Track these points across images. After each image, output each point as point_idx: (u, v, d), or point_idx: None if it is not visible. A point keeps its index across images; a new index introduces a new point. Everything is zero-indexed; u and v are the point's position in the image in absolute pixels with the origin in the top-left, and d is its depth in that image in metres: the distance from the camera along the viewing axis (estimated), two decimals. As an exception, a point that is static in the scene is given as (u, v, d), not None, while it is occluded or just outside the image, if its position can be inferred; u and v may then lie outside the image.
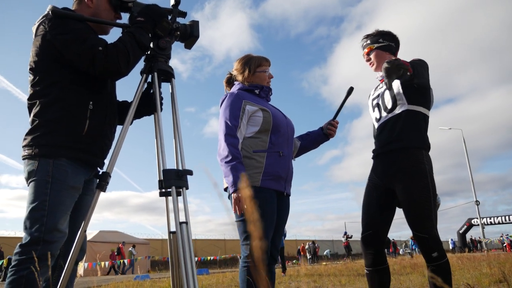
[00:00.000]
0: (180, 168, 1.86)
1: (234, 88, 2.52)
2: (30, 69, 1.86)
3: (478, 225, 28.47)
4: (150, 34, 1.97)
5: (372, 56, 2.63)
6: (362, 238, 2.53)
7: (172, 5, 2.09)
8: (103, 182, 1.78)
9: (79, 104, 1.86)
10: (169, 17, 2.05)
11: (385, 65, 2.10)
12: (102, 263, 16.38)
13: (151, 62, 2.01)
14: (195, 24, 2.15)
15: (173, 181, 1.72)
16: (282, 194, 2.40)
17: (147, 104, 2.08)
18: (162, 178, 1.75)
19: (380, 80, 2.70)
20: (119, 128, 2.04)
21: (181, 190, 1.74)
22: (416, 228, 2.29)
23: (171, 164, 1.80)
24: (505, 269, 5.42)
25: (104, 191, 1.79)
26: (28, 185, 1.76)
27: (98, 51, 1.77)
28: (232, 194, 2.19)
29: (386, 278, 2.45)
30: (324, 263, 21.37)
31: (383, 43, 2.61)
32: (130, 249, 20.68)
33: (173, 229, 1.76)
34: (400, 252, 33.64)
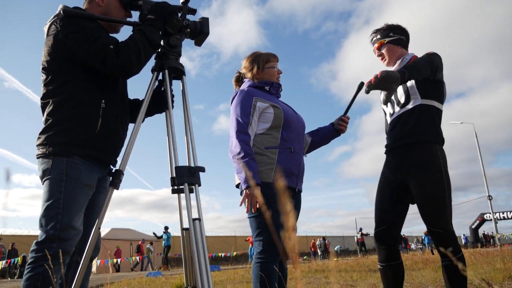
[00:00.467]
0: (192, 165, 1.87)
1: (244, 86, 2.52)
2: (43, 68, 1.88)
3: (491, 220, 28.11)
4: (160, 32, 1.97)
5: (384, 51, 2.61)
6: (375, 234, 2.51)
7: (182, 2, 2.09)
8: (116, 179, 1.79)
9: (92, 102, 1.87)
10: (179, 15, 2.05)
11: (366, 89, 2.19)
12: (114, 260, 16.53)
13: (161, 60, 2.01)
14: (205, 21, 2.15)
15: (186, 178, 1.72)
16: (294, 190, 2.39)
17: (159, 102, 2.09)
18: (174, 175, 1.75)
19: None
20: (131, 126, 2.05)
21: (193, 187, 1.75)
22: (430, 223, 2.27)
23: (183, 161, 1.81)
24: (519, 264, 5.35)
25: (118, 188, 1.81)
26: (42, 184, 1.78)
27: (110, 50, 1.78)
28: (245, 191, 2.19)
29: (400, 274, 2.44)
30: (335, 259, 21.34)
31: (394, 37, 2.58)
32: (148, 246, 20.94)
33: (186, 225, 1.77)
34: (412, 247, 33.43)
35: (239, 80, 2.64)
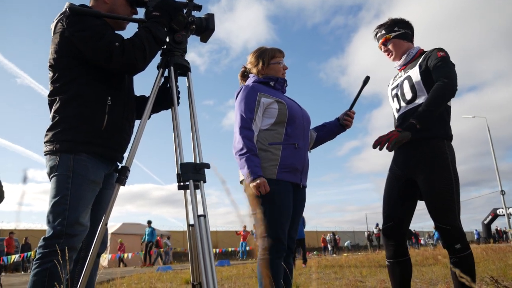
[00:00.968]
0: (198, 161, 1.87)
1: (249, 81, 2.51)
2: (50, 66, 1.90)
3: (504, 215, 27.76)
4: (166, 29, 1.97)
5: (390, 46, 2.58)
6: (383, 230, 2.50)
7: None
8: (122, 176, 1.81)
9: (98, 99, 1.89)
10: (185, 11, 2.05)
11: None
12: (125, 255, 16.70)
13: (167, 57, 2.01)
14: (210, 17, 2.15)
15: (191, 175, 1.73)
16: (298, 186, 2.39)
17: (165, 99, 2.09)
18: (180, 172, 1.76)
19: (398, 70, 2.64)
20: (137, 123, 2.06)
21: (199, 183, 1.75)
22: (438, 219, 2.25)
23: (189, 158, 1.82)
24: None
25: (124, 185, 1.82)
26: (50, 180, 1.80)
27: (115, 47, 1.79)
28: (250, 184, 2.19)
29: (408, 270, 2.42)
30: (345, 254, 21.29)
31: (400, 31, 2.56)
32: (165, 240, 21.17)
33: (192, 222, 1.77)
34: (422, 243, 33.22)
35: (245, 75, 2.63)
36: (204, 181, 1.77)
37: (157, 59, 2.04)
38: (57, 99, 1.86)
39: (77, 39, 1.82)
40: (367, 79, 2.66)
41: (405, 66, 2.58)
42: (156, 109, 2.17)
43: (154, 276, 8.47)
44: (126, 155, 2.00)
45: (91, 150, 1.84)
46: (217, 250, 21.52)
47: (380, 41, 2.63)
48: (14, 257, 13.56)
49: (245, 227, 21.67)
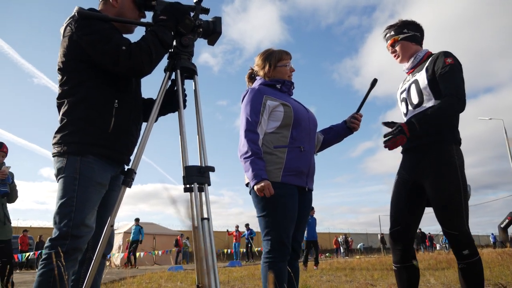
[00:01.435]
0: (203, 164, 1.88)
1: (256, 84, 2.52)
2: (59, 69, 1.93)
3: (521, 219, 27.20)
4: (172, 32, 1.99)
5: (397, 47, 2.56)
6: (390, 234, 2.48)
7: (195, 2, 2.10)
8: (128, 178, 1.82)
9: (105, 102, 1.91)
10: (192, 14, 2.06)
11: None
12: (138, 254, 16.86)
13: (174, 60, 2.03)
14: (217, 21, 2.15)
15: (195, 178, 1.74)
16: (304, 189, 2.38)
17: (172, 101, 2.11)
18: (184, 175, 1.77)
19: (407, 73, 2.62)
20: (144, 125, 2.08)
21: (203, 186, 1.76)
22: (445, 225, 2.23)
23: (195, 161, 1.83)
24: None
25: (130, 187, 1.84)
26: (57, 182, 1.83)
27: (122, 51, 1.81)
28: (254, 187, 2.19)
29: (415, 275, 2.40)
30: (358, 257, 21.13)
31: (409, 34, 2.53)
32: (184, 240, 21.30)
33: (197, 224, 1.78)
34: (437, 248, 32.77)
35: (252, 77, 2.64)
36: (209, 184, 1.79)
37: (164, 62, 2.05)
38: (65, 102, 1.89)
39: (85, 42, 1.85)
40: (374, 81, 2.64)
41: (413, 70, 2.56)
42: (163, 112, 2.19)
43: (166, 275, 8.53)
44: (133, 157, 2.02)
45: (97, 152, 1.87)
46: (229, 250, 21.54)
47: (389, 42, 2.61)
48: (28, 255, 13.81)
49: (237, 227, 21.41)
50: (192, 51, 2.07)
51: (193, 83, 2.08)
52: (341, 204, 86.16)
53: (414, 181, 2.39)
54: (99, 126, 1.89)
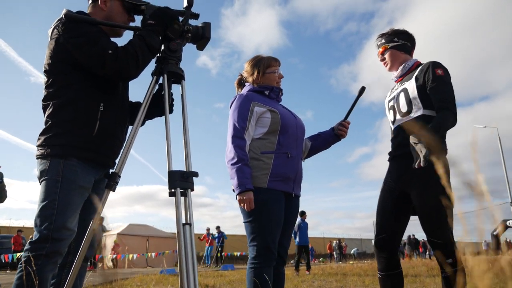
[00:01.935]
0: (188, 169, 1.88)
1: (244, 90, 2.52)
2: (45, 71, 1.93)
3: (513, 227, 27.34)
4: (160, 37, 1.99)
5: (386, 55, 2.58)
6: (375, 242, 2.48)
7: (185, 7, 2.10)
8: (112, 182, 1.82)
9: (90, 105, 1.91)
10: (181, 19, 2.07)
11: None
12: (130, 256, 16.80)
13: (161, 64, 2.03)
14: (206, 26, 2.16)
15: (178, 183, 1.73)
16: (290, 195, 2.39)
17: (159, 105, 2.11)
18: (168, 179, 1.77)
19: (395, 81, 2.64)
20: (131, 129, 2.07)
21: (185, 191, 1.76)
22: (430, 234, 2.23)
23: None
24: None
25: (114, 190, 1.84)
26: (40, 184, 1.83)
27: (108, 54, 1.82)
28: (237, 196, 2.19)
29: (399, 283, 2.40)
30: (351, 262, 21.13)
31: (398, 43, 2.55)
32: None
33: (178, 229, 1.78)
34: (433, 254, 32.78)
35: (241, 83, 2.64)
36: (192, 189, 1.78)
37: (152, 65, 2.06)
38: (51, 104, 1.88)
39: (72, 45, 1.85)
40: (362, 89, 2.66)
41: (401, 78, 2.57)
42: (150, 116, 2.19)
43: (158, 278, 8.49)
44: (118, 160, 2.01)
45: (81, 156, 1.86)
46: (223, 254, 21.46)
47: (379, 50, 2.63)
48: (19, 255, 13.72)
49: (208, 229, 20.57)
50: (180, 56, 2.07)
51: (180, 88, 2.08)
52: (337, 209, 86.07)
53: (400, 189, 2.40)
54: (84, 129, 1.88)
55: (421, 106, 2.36)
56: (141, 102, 2.25)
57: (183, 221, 1.68)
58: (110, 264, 18.80)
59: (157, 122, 2.22)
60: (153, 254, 19.40)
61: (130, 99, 2.26)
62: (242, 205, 2.20)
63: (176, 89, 2.10)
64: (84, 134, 1.88)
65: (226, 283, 7.35)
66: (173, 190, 1.75)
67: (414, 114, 2.38)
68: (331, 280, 7.89)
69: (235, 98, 2.43)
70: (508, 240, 36.32)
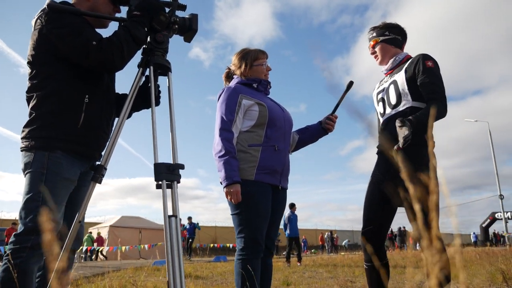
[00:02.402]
0: (175, 162, 1.87)
1: (233, 83, 2.51)
2: (28, 62, 1.90)
3: (502, 219, 27.76)
4: (146, 28, 1.97)
5: (377, 49, 2.59)
6: (363, 233, 2.50)
7: None
8: (97, 174, 1.81)
9: (75, 97, 1.89)
10: (168, 10, 2.04)
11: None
12: (123, 248, 16.80)
13: (148, 56, 2.00)
14: (194, 18, 2.14)
15: (164, 175, 1.73)
16: (277, 187, 2.40)
17: (146, 97, 2.09)
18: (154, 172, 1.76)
19: (385, 74, 2.64)
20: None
21: (171, 183, 1.76)
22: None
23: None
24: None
25: (100, 183, 1.83)
26: (24, 176, 1.81)
27: (92, 45, 1.79)
28: (224, 189, 2.20)
29: (385, 274, 2.43)
30: (342, 253, 21.31)
31: (389, 36, 2.56)
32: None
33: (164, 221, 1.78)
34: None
35: (229, 76, 2.63)
36: (178, 182, 1.78)
37: (138, 57, 2.04)
38: (34, 96, 1.86)
39: (55, 36, 1.82)
40: (350, 83, 2.66)
41: (391, 71, 2.58)
42: (137, 108, 2.18)
43: (151, 269, 8.50)
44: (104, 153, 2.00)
45: (66, 148, 1.85)
46: (215, 245, 21.54)
47: (370, 43, 2.63)
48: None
49: (180, 220, 20.29)
50: (166, 48, 2.05)
51: (167, 80, 2.06)
52: (329, 201, 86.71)
53: (388, 182, 2.42)
54: (68, 121, 1.86)
55: (410, 99, 2.37)
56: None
57: (170, 213, 1.68)
58: (101, 257, 18.80)
59: (150, 114, 2.20)
60: (146, 246, 19.41)
61: (117, 91, 2.24)
62: (229, 197, 2.20)
63: (162, 81, 2.09)
64: (69, 126, 1.86)
65: (217, 274, 7.38)
66: (159, 183, 1.76)
67: (403, 107, 2.40)
68: (321, 271, 7.96)
69: (223, 91, 2.42)
70: (496, 232, 36.84)
